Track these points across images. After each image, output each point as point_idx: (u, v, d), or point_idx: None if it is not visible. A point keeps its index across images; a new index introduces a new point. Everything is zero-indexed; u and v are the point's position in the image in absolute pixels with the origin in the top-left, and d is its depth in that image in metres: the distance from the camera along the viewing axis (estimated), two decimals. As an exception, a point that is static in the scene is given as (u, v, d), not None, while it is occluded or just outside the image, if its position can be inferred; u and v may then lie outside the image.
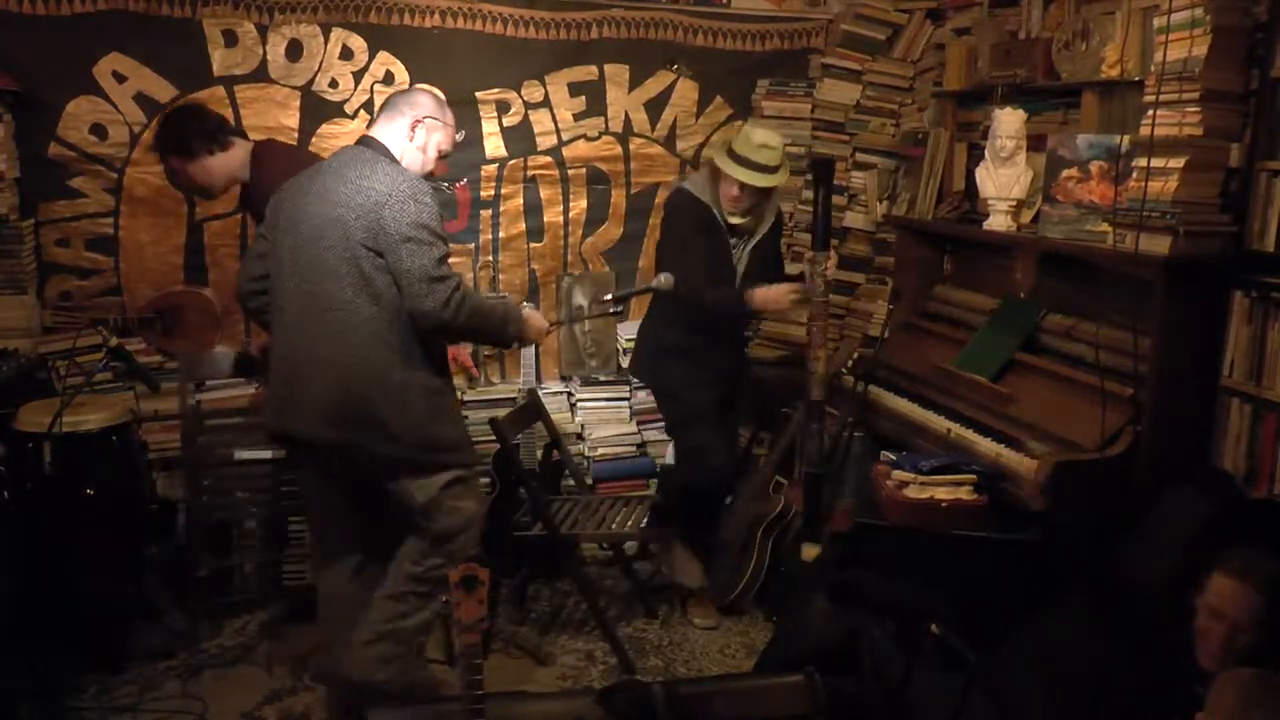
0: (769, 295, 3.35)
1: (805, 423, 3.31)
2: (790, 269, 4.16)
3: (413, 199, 2.48)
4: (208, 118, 3.11)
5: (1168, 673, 2.14)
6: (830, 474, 3.48)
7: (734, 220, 3.39)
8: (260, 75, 3.74)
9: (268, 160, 3.08)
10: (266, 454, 3.56)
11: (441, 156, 2.73)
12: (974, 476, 2.94)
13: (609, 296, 3.48)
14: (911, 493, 2.93)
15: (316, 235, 2.50)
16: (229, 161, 3.07)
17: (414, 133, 2.64)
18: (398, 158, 2.62)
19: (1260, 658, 1.98)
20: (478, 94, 3.95)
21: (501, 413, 3.51)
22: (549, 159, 4.08)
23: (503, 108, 3.99)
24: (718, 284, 3.42)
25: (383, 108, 2.70)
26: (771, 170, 3.32)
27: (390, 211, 2.45)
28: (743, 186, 3.30)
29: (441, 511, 2.62)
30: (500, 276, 4.13)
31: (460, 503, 2.65)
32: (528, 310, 2.95)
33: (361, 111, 3.84)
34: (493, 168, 4.02)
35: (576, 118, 4.06)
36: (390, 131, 2.64)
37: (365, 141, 2.64)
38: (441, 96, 2.79)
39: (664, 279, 3.24)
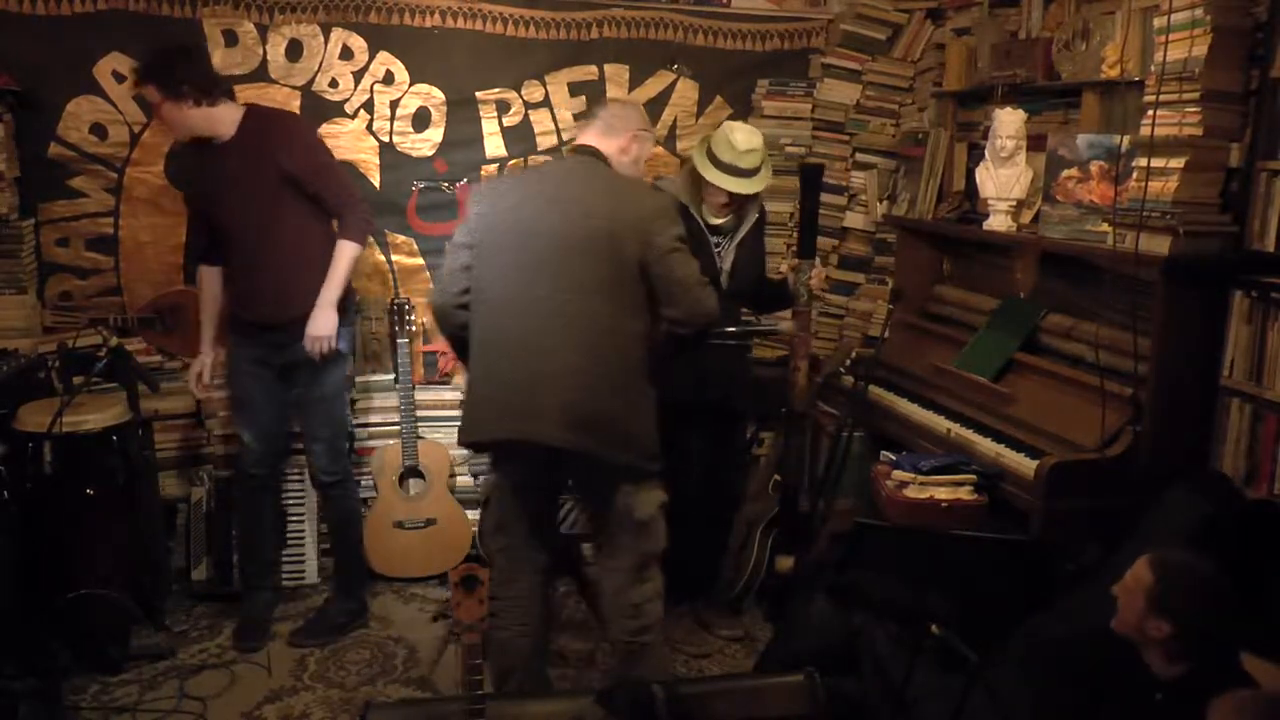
0: None
1: (785, 435, 3.26)
2: (783, 266, 4.15)
3: (672, 211, 2.59)
4: (208, 69, 3.19)
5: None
6: (819, 482, 3.45)
7: (715, 221, 3.37)
8: (260, 75, 3.74)
9: (271, 125, 3.19)
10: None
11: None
12: (974, 476, 2.95)
13: (731, 329, 3.35)
14: (911, 493, 2.93)
15: (574, 247, 2.48)
16: (208, 117, 3.12)
17: (631, 145, 2.71)
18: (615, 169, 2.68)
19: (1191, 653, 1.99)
20: (478, 94, 3.95)
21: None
22: (549, 159, 4.07)
23: (503, 107, 3.99)
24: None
25: (593, 118, 2.73)
26: (757, 173, 3.28)
27: (659, 224, 2.52)
28: (731, 194, 3.27)
29: (652, 535, 2.61)
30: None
31: (662, 527, 2.64)
32: None
33: (361, 111, 3.84)
34: (493, 168, 4.02)
35: (577, 118, 4.05)
36: (609, 145, 2.68)
37: (591, 152, 2.66)
38: (641, 107, 2.81)
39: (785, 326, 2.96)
